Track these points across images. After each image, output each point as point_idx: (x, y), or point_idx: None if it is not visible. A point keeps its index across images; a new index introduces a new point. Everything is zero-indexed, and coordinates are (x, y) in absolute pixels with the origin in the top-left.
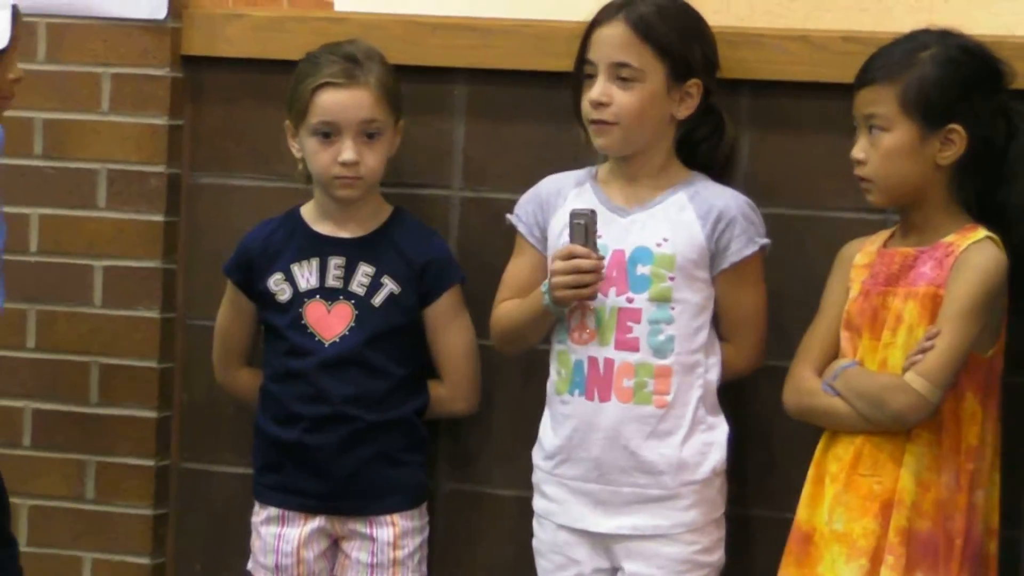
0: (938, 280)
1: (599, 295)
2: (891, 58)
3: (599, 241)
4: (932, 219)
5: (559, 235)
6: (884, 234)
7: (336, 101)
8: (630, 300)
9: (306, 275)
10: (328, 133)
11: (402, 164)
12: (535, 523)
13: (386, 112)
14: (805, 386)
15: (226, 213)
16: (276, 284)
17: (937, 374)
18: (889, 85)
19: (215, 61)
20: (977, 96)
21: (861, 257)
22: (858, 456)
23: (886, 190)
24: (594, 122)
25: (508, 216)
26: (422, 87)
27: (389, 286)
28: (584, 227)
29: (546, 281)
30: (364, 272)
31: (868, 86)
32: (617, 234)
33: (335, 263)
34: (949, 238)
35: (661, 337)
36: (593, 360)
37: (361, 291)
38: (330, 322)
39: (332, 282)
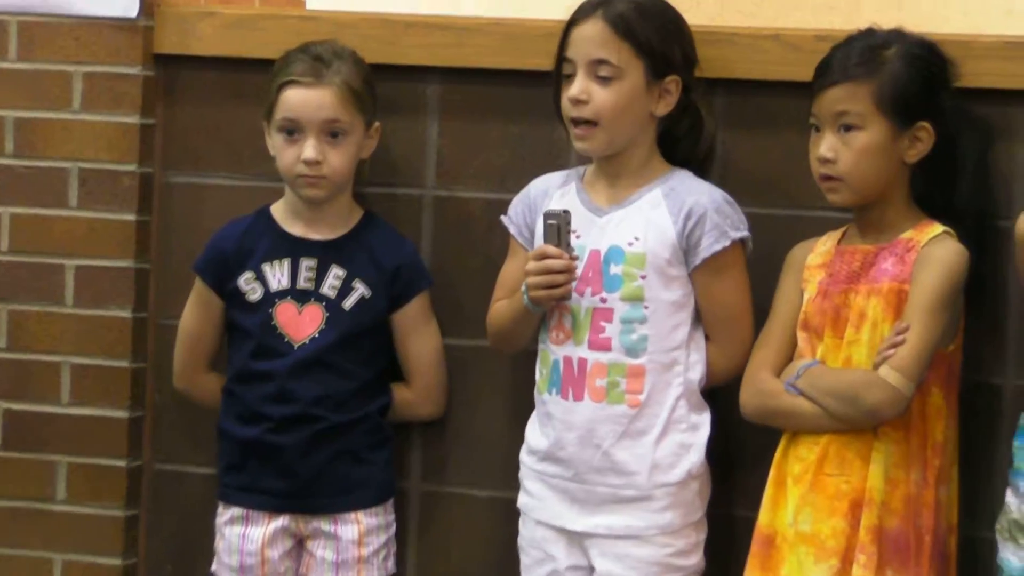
0: (901, 276)
1: (576, 295)
2: (854, 57)
3: (577, 241)
4: (890, 216)
5: (540, 236)
6: (835, 234)
7: (299, 99)
8: (603, 300)
9: (277, 275)
10: (292, 131)
11: (375, 163)
12: (520, 519)
13: (352, 113)
14: (766, 387)
15: (199, 212)
16: (247, 283)
17: (911, 368)
18: (861, 83)
19: (187, 59)
20: (941, 93)
21: (814, 258)
22: (824, 456)
23: (857, 189)
24: (575, 123)
25: (502, 217)
26: (395, 86)
27: (360, 290)
28: (556, 227)
29: (525, 281)
30: (335, 275)
31: (837, 85)
32: (594, 234)
33: (306, 265)
34: (907, 234)
35: (634, 336)
36: (568, 360)
37: (332, 294)
38: (301, 324)
39: (303, 284)
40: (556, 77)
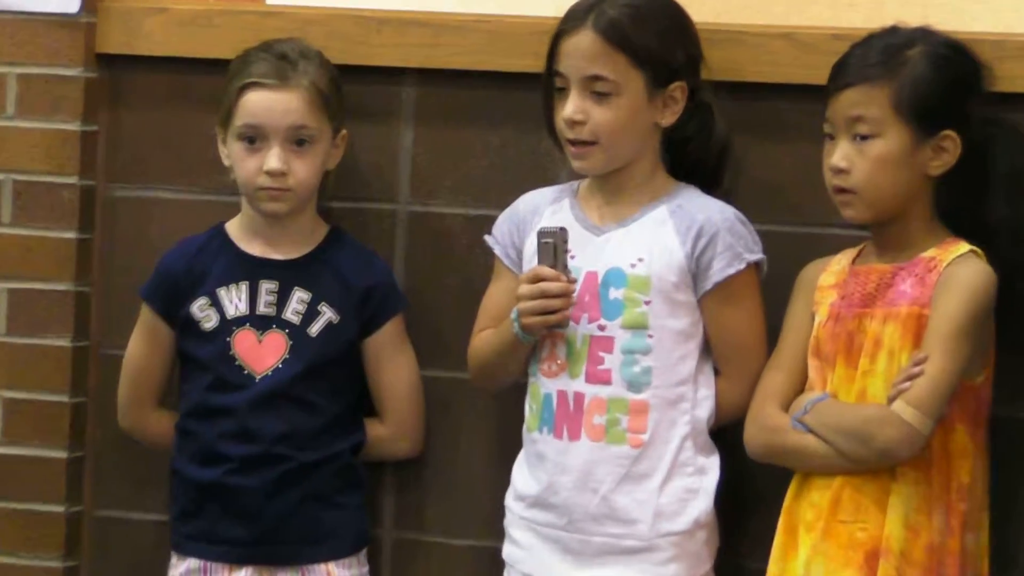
0: (921, 299)
1: (571, 322)
2: (872, 56)
3: (571, 262)
4: (911, 233)
5: (532, 257)
6: (851, 252)
7: (263, 103)
8: (602, 327)
9: (234, 300)
10: (253, 138)
11: (342, 175)
12: (505, 571)
13: (320, 119)
14: (771, 423)
15: (146, 229)
16: (200, 310)
17: (928, 403)
18: (879, 85)
19: (134, 60)
20: (970, 99)
21: (826, 277)
22: (837, 500)
23: (873, 203)
24: (572, 143)
25: (486, 237)
26: (366, 89)
27: (327, 314)
28: (553, 246)
29: (516, 307)
30: (299, 298)
31: (853, 87)
32: (591, 254)
33: (267, 288)
34: (929, 252)
35: (636, 368)
36: (562, 394)
37: (296, 319)
38: (261, 354)
39: (264, 309)
40: (546, 91)
